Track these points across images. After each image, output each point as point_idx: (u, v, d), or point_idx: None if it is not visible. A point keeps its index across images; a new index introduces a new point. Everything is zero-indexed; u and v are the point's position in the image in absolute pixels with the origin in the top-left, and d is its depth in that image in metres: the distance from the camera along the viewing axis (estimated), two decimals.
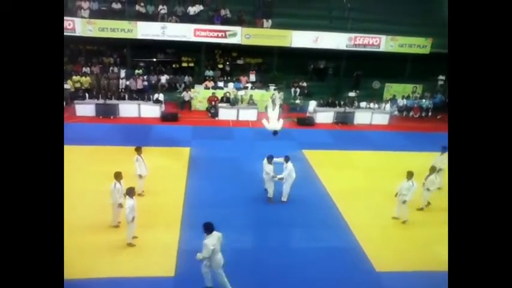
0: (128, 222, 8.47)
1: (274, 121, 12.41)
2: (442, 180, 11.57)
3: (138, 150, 10.76)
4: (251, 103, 20.08)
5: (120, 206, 9.04)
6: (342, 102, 20.80)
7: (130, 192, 8.46)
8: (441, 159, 12.00)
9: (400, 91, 23.99)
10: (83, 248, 8.30)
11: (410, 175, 10.06)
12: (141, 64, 23.55)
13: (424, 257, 8.82)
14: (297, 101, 22.02)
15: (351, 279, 8.02)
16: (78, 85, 20.73)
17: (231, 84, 22.01)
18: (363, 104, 20.83)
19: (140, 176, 10.74)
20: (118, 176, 9.18)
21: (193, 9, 22.50)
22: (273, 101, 15.18)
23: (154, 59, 24.16)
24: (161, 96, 19.55)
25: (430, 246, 9.19)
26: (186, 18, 22.11)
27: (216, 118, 19.51)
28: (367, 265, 8.46)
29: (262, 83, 22.85)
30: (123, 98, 19.35)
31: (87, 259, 8.02)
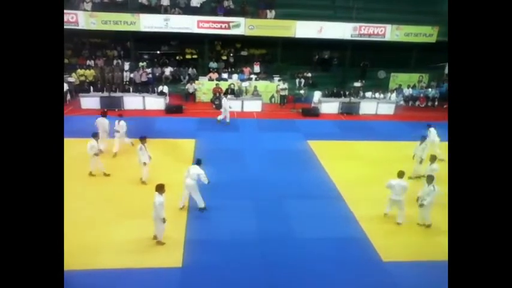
0: (156, 220, 8.22)
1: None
2: (421, 169, 11.94)
3: (143, 140, 11.00)
4: (255, 94, 20.00)
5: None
6: (347, 93, 20.67)
7: (160, 188, 8.10)
8: (421, 148, 12.09)
9: (406, 80, 23.78)
10: (89, 240, 8.35)
11: (430, 179, 9.36)
12: (145, 56, 23.55)
13: (429, 247, 8.80)
14: (302, 92, 21.92)
15: (359, 269, 8.01)
16: (82, 78, 20.76)
17: (235, 76, 21.94)
18: (368, 94, 20.68)
19: (144, 164, 11.01)
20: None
21: (196, 1, 22.35)
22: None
23: (158, 51, 24.11)
24: (165, 89, 19.53)
25: (434, 236, 9.16)
26: (189, 10, 22.00)
27: (221, 109, 19.43)
28: (374, 255, 8.45)
29: (266, 74, 22.75)
30: (128, 91, 19.35)
31: (93, 250, 8.07)
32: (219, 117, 17.17)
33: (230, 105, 17.39)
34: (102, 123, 13.18)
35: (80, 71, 20.90)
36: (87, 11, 20.76)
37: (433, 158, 10.72)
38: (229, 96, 19.61)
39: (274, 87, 21.27)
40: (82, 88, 19.53)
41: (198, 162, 9.83)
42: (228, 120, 17.18)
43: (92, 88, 19.21)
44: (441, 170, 10.51)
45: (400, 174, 9.49)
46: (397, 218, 9.73)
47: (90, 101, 18.53)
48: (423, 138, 12.15)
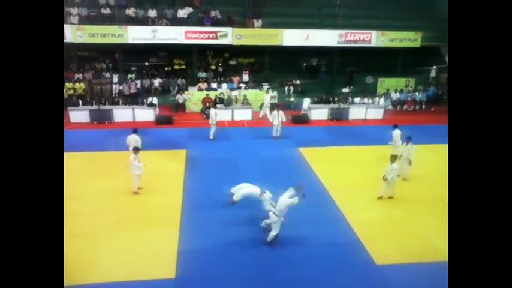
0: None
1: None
2: (409, 170, 12.44)
3: (135, 151, 11.05)
4: (245, 103, 20.10)
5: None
6: (335, 99, 20.88)
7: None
8: (407, 149, 12.35)
9: (393, 85, 24.13)
10: (81, 253, 8.25)
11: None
12: (133, 68, 23.54)
13: (422, 249, 8.86)
14: (291, 99, 22.08)
15: (352, 274, 8.03)
16: (71, 92, 20.65)
17: (224, 85, 22.04)
18: (357, 99, 20.91)
19: (138, 175, 11.05)
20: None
21: (183, 12, 22.48)
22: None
23: (147, 63, 24.13)
24: (155, 100, 19.54)
25: (427, 238, 9.25)
26: (176, 21, 22.09)
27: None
28: (367, 259, 8.47)
29: (255, 83, 22.88)
30: (117, 103, 19.30)
31: (86, 264, 7.98)
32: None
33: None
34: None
35: (69, 85, 20.78)
36: (74, 24, 20.72)
37: (393, 158, 10.88)
38: (219, 105, 19.69)
39: (263, 95, 21.40)
40: (71, 102, 19.42)
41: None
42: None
43: (80, 101, 19.12)
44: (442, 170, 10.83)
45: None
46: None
47: (79, 115, 18.44)
48: (408, 139, 12.41)
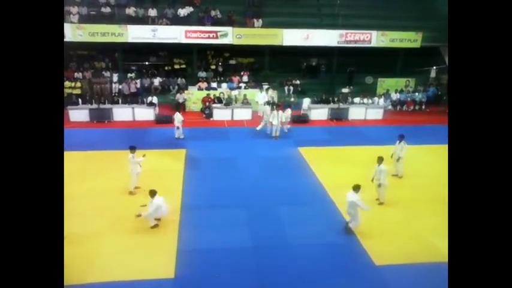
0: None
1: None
2: (402, 168, 12.57)
3: (132, 150, 11.06)
4: (245, 102, 20.08)
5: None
6: (335, 99, 20.87)
7: (152, 193, 9.22)
8: (400, 148, 12.40)
9: (393, 85, 24.10)
10: (80, 253, 8.25)
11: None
12: (133, 68, 23.49)
13: (422, 249, 8.87)
14: (291, 99, 22.06)
15: (352, 275, 8.03)
16: (70, 91, 20.61)
17: (224, 85, 22.02)
18: (357, 99, 20.90)
19: (136, 173, 11.09)
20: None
21: (183, 11, 22.45)
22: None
23: (147, 62, 24.09)
24: (155, 99, 19.52)
25: (427, 238, 9.25)
26: (176, 20, 22.06)
27: (211, 119, 19.50)
28: (366, 260, 8.47)
29: (255, 82, 22.87)
30: (117, 102, 19.28)
31: (84, 264, 7.98)
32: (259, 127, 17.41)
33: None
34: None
35: (68, 83, 20.75)
36: (74, 23, 20.69)
37: (380, 159, 10.79)
38: (219, 105, 19.69)
39: (263, 95, 21.37)
40: (70, 101, 19.39)
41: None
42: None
43: (80, 100, 19.10)
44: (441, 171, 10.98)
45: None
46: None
47: (79, 114, 18.41)
48: (400, 137, 12.42)
